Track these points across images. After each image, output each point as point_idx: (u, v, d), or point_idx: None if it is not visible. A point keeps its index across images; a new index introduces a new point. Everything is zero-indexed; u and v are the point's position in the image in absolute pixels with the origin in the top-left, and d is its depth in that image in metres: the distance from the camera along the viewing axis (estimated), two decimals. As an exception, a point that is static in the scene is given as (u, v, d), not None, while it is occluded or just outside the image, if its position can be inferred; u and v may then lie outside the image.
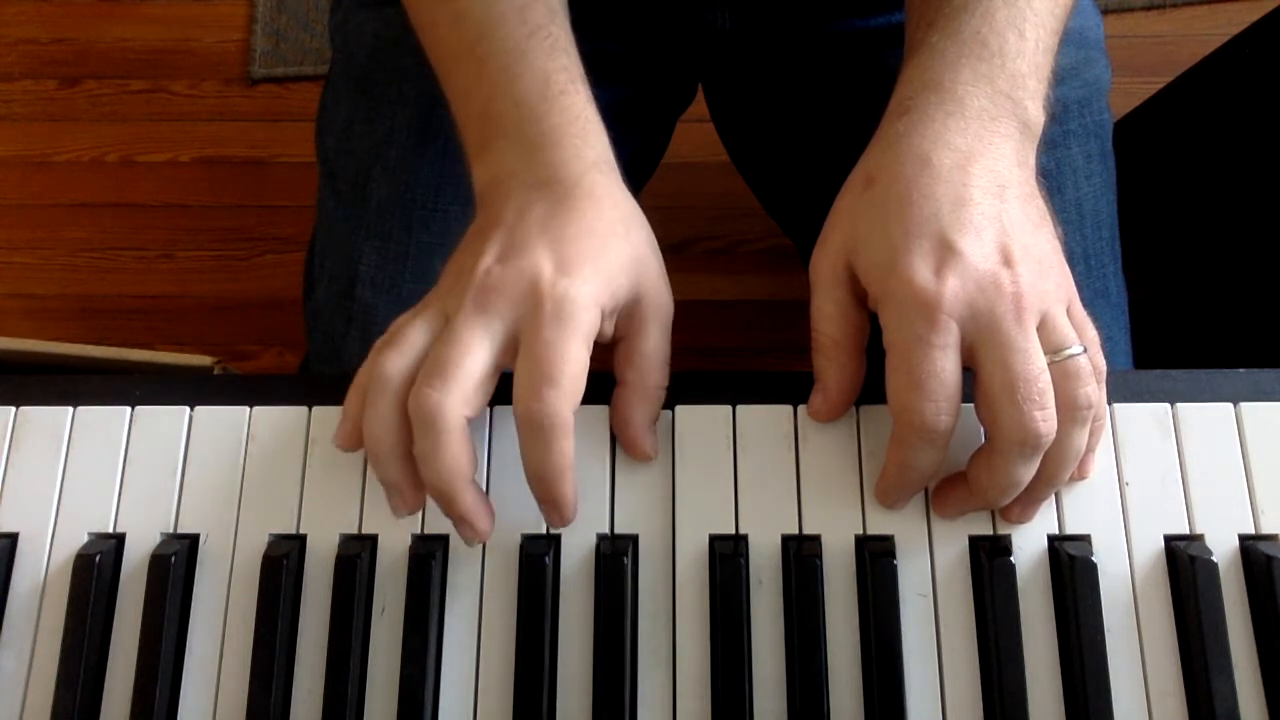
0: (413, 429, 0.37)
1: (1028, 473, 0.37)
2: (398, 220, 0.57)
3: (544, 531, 0.41)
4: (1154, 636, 0.39)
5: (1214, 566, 0.38)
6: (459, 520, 0.38)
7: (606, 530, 0.41)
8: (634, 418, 0.40)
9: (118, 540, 0.41)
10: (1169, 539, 0.40)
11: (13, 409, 0.43)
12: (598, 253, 0.39)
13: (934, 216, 0.38)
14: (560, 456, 0.37)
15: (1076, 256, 0.56)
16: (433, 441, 0.36)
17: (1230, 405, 0.42)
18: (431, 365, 0.37)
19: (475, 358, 0.37)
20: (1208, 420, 0.41)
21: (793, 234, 0.73)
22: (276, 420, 0.43)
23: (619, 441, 0.41)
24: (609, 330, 0.40)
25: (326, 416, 0.42)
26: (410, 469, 0.39)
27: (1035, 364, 0.36)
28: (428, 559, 0.40)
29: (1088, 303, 0.42)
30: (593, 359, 0.39)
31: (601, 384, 0.41)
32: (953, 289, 0.36)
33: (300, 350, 0.63)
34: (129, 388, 0.44)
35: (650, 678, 0.39)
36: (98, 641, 0.40)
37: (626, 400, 0.41)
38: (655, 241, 0.43)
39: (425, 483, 0.38)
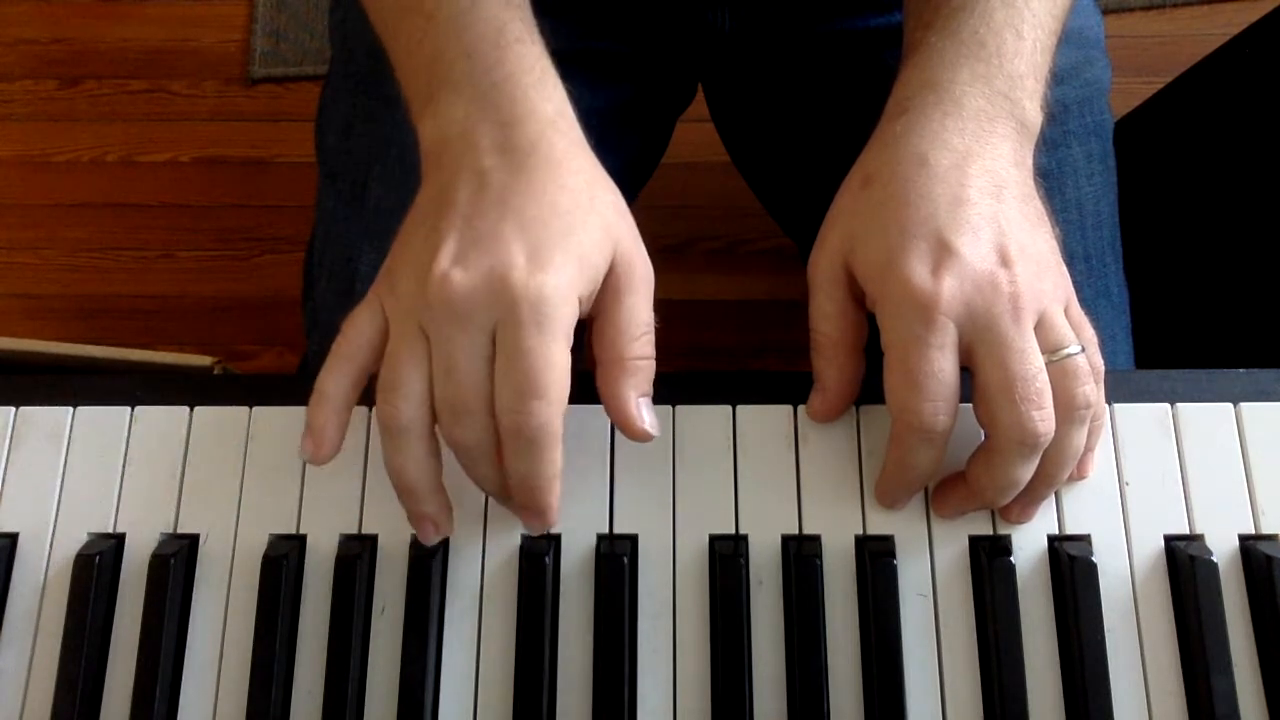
0: (460, 461, 0.38)
1: (1026, 472, 0.37)
2: (398, 220, 0.57)
3: (544, 532, 0.41)
4: (1154, 636, 0.39)
5: (1214, 566, 0.38)
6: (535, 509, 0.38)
7: (606, 530, 0.41)
8: (617, 392, 0.37)
9: (118, 540, 0.41)
10: (1169, 539, 0.40)
11: (13, 409, 0.43)
12: (566, 233, 0.37)
13: (931, 216, 0.38)
14: (549, 466, 0.36)
15: (1077, 256, 0.56)
16: (480, 463, 0.37)
17: (1230, 405, 0.42)
18: (450, 407, 0.36)
19: (488, 384, 0.36)
20: (1208, 420, 0.41)
21: (793, 234, 0.73)
22: (276, 420, 0.43)
23: (616, 426, 0.39)
24: (586, 309, 0.38)
25: (326, 416, 0.42)
26: (445, 497, 0.39)
27: (1032, 363, 0.36)
28: (428, 559, 0.40)
29: (1089, 303, 0.42)
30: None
31: (601, 384, 0.40)
32: (950, 289, 0.36)
33: (300, 350, 0.63)
34: (129, 388, 0.44)
35: (650, 678, 0.39)
36: (98, 641, 0.40)
37: (609, 378, 0.38)
38: (624, 203, 0.41)
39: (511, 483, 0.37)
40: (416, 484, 0.37)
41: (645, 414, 0.38)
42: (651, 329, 0.39)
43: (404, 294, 0.38)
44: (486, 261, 0.36)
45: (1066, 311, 0.39)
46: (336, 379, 0.38)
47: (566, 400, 0.36)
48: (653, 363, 0.39)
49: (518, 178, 0.38)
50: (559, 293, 0.36)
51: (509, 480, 0.37)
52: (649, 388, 0.38)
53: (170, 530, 0.42)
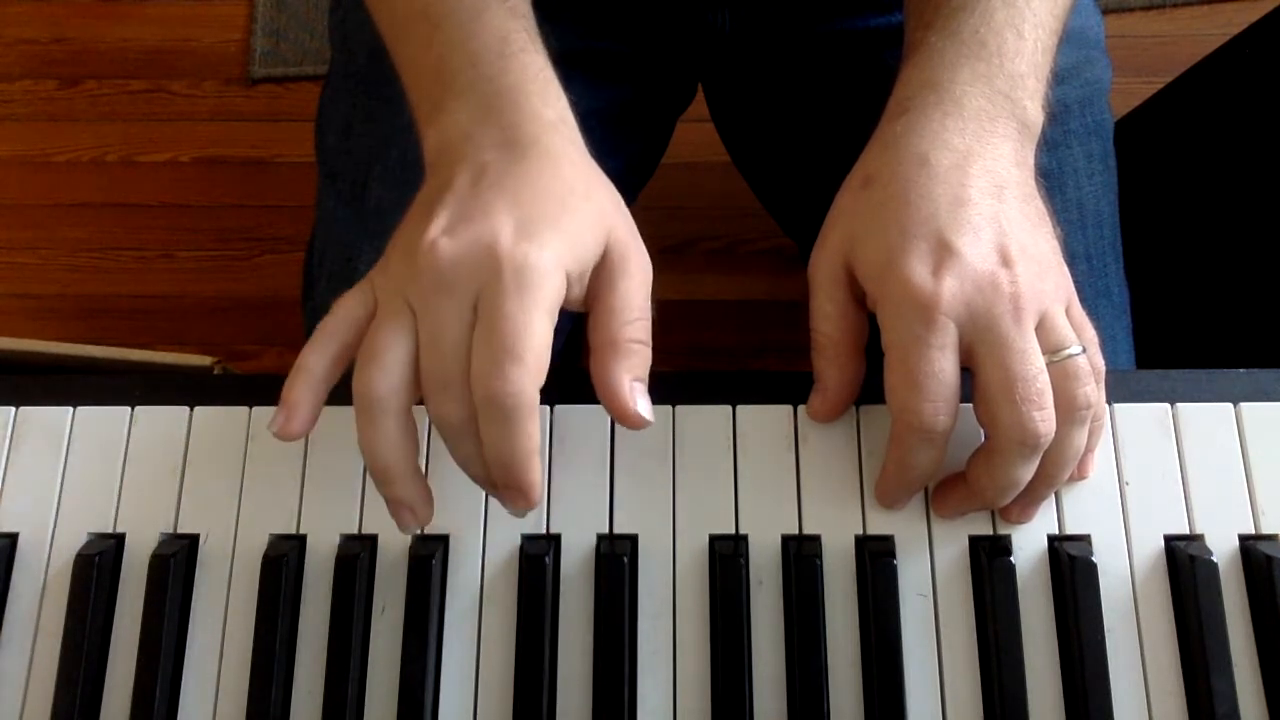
0: (445, 441, 0.37)
1: (1027, 473, 0.37)
2: (397, 220, 0.57)
3: (544, 531, 0.41)
4: (1154, 636, 0.39)
5: (1214, 566, 0.38)
6: (515, 488, 0.36)
7: (606, 530, 0.41)
8: (610, 375, 0.36)
9: (118, 540, 0.41)
10: (1169, 539, 0.40)
11: (13, 409, 0.43)
12: (557, 214, 0.37)
13: (932, 217, 0.38)
14: (527, 439, 0.35)
15: (1078, 256, 0.56)
16: (465, 442, 0.36)
17: (1230, 405, 0.42)
18: (435, 379, 0.36)
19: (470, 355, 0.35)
20: (1208, 420, 0.41)
21: (793, 234, 0.73)
22: (276, 420, 0.43)
23: (610, 412, 0.37)
24: (579, 294, 0.38)
25: (327, 417, 0.42)
26: (422, 483, 0.38)
27: (1033, 364, 0.36)
28: (428, 559, 0.40)
29: (1089, 303, 0.42)
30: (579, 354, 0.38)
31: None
32: (950, 289, 0.36)
33: (300, 350, 0.63)
34: (129, 388, 0.44)
35: (650, 678, 0.39)
36: (98, 641, 0.40)
37: (602, 361, 0.37)
38: (621, 200, 0.41)
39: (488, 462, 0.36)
40: (389, 464, 0.36)
41: (639, 399, 0.37)
42: (647, 317, 0.38)
43: (394, 272, 0.38)
44: (474, 231, 0.36)
45: (1068, 312, 0.39)
46: (318, 354, 0.38)
47: (544, 374, 0.35)
48: (648, 350, 0.38)
49: (515, 167, 0.38)
50: (544, 263, 0.35)
51: (486, 457, 0.36)
52: (644, 374, 0.38)
53: (170, 530, 0.42)
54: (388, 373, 0.36)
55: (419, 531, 0.39)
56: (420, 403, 0.37)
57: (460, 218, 0.37)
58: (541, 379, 0.35)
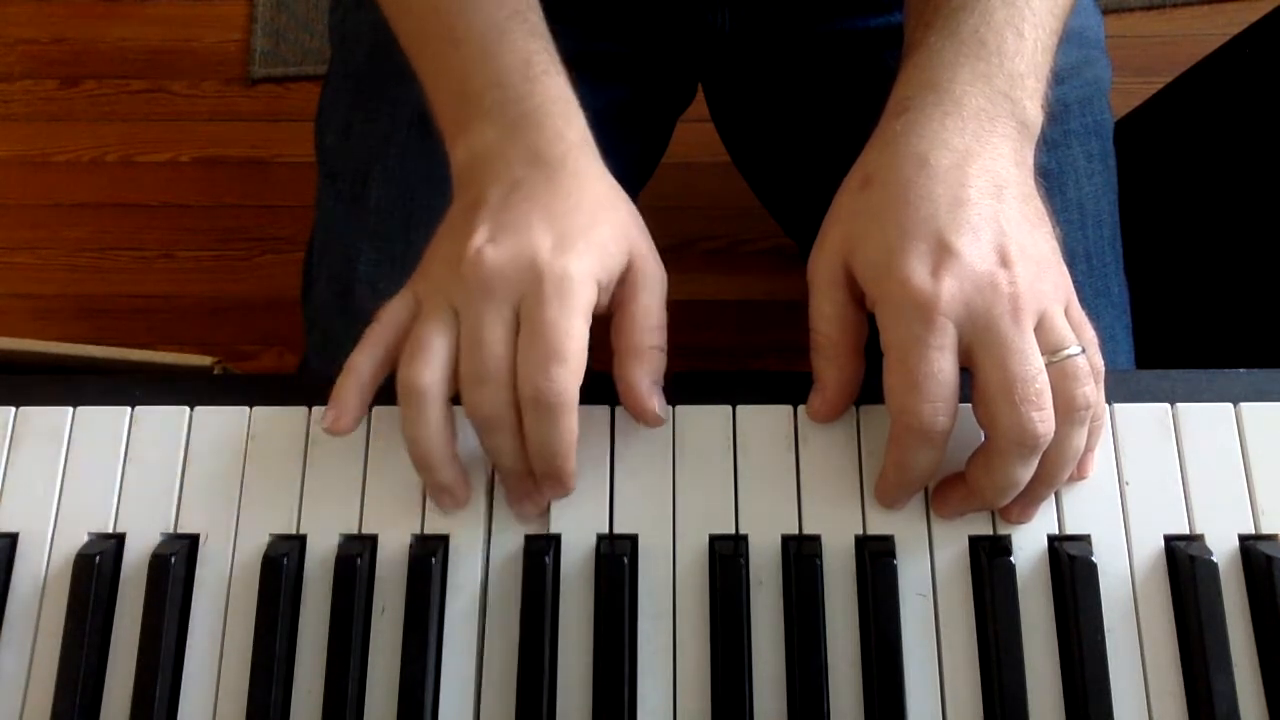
0: (478, 432, 0.39)
1: (1026, 473, 0.37)
2: (397, 220, 0.57)
3: (544, 531, 0.41)
4: (1154, 636, 0.39)
5: (1214, 566, 0.38)
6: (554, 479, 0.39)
7: (606, 530, 0.41)
8: (632, 378, 0.40)
9: (118, 540, 0.41)
10: (1169, 539, 0.40)
11: (13, 409, 0.43)
12: (588, 227, 0.40)
13: (931, 217, 0.38)
14: (569, 433, 0.38)
15: (1078, 256, 0.56)
16: (495, 433, 0.39)
17: (1230, 405, 0.42)
18: (475, 376, 0.38)
19: (511, 355, 0.38)
20: (1208, 420, 0.41)
21: (793, 234, 0.73)
22: (276, 420, 0.43)
23: (627, 410, 0.40)
24: (604, 302, 0.40)
25: (326, 417, 0.42)
26: (460, 468, 0.40)
27: (1032, 364, 0.36)
28: (428, 559, 0.40)
29: (1089, 302, 0.42)
30: (594, 358, 0.39)
31: (601, 384, 0.41)
32: (949, 290, 0.36)
33: (300, 350, 0.63)
34: (129, 388, 0.44)
35: (650, 678, 0.39)
36: (98, 641, 0.40)
37: (625, 365, 0.40)
38: (639, 216, 0.43)
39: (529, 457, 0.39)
40: (432, 452, 0.39)
41: (656, 399, 0.40)
42: (664, 325, 0.41)
43: (436, 276, 0.40)
44: (516, 242, 0.38)
45: (1067, 312, 0.39)
46: (365, 356, 0.40)
47: (583, 373, 0.37)
48: (664, 354, 0.41)
49: (546, 183, 0.41)
50: (580, 274, 0.38)
51: (530, 449, 0.38)
52: (660, 377, 0.41)
53: (170, 530, 0.42)
54: (431, 366, 0.38)
55: (457, 510, 0.41)
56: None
57: (501, 228, 0.39)
58: (581, 378, 0.37)
